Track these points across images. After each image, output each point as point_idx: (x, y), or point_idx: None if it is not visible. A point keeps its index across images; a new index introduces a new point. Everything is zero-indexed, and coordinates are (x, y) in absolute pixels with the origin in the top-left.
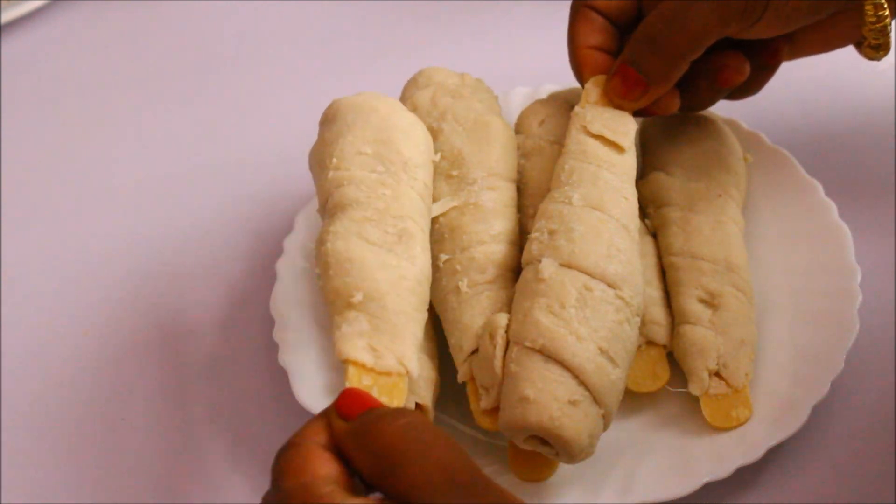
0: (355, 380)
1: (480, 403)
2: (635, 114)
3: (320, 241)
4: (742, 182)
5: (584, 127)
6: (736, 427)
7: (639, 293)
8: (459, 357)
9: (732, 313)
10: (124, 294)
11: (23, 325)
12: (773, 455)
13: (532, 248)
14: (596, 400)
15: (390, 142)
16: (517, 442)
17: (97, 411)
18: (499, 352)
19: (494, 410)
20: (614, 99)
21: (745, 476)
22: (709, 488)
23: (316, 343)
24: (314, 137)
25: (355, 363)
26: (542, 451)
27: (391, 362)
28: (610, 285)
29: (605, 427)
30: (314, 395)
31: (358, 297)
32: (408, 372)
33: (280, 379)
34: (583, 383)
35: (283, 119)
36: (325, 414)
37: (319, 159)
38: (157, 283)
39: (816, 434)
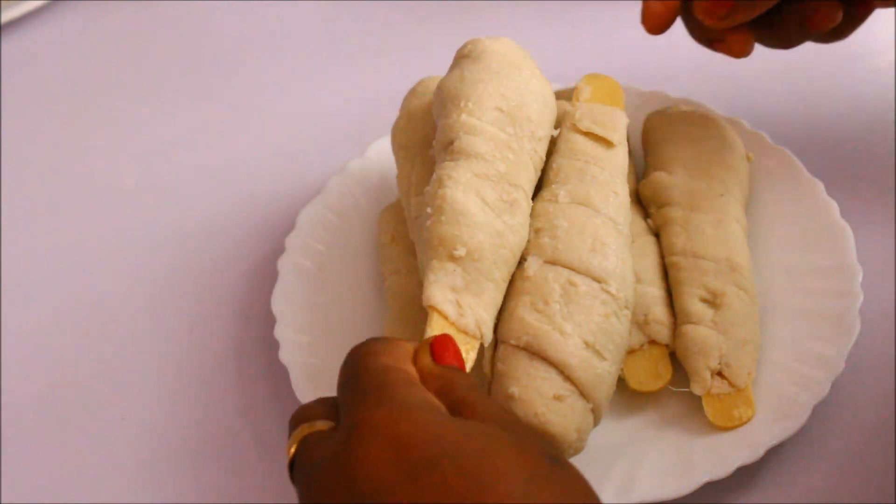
0: (437, 328)
1: None
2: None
3: (438, 183)
4: (744, 181)
5: (574, 125)
6: (738, 426)
7: (627, 286)
8: None
9: (735, 312)
10: (124, 293)
11: (23, 325)
12: (774, 455)
13: None
14: (583, 394)
15: (526, 106)
16: None
17: (97, 410)
18: (487, 352)
19: None
20: (699, 14)
21: (745, 476)
22: (709, 488)
23: (317, 341)
24: (316, 136)
25: (440, 313)
26: None
27: (471, 323)
28: (595, 279)
29: (597, 421)
30: (314, 393)
31: (460, 252)
32: (482, 338)
33: (281, 377)
34: (568, 378)
35: (284, 118)
36: (416, 346)
37: (453, 94)
38: (157, 282)
39: (817, 434)
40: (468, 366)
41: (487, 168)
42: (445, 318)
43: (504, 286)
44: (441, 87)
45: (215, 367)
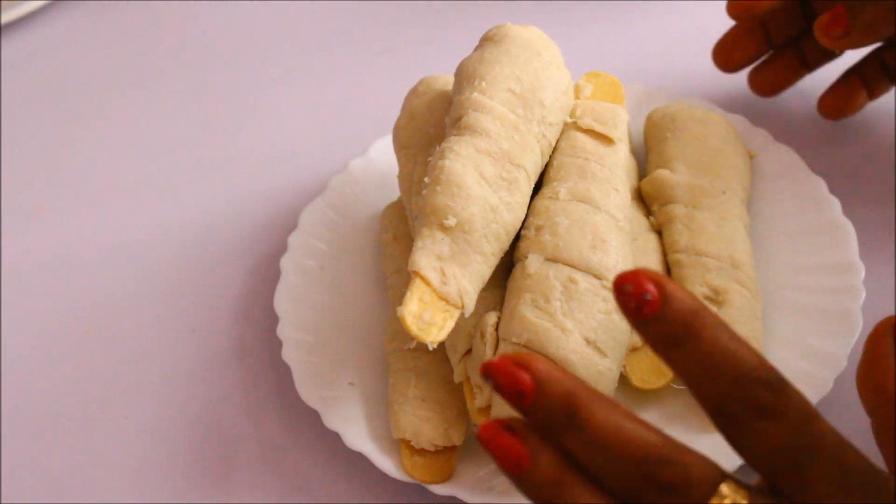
0: (418, 292)
1: (475, 402)
2: (826, 116)
3: (439, 154)
4: (746, 179)
5: (574, 122)
6: None
7: None
8: (454, 358)
9: (737, 310)
10: (126, 292)
11: (26, 324)
12: None
13: (521, 245)
14: None
15: (539, 90)
16: None
17: (100, 409)
18: (488, 350)
19: (488, 409)
20: (817, 31)
21: (749, 473)
22: None
23: (319, 340)
24: (317, 135)
25: (423, 279)
26: None
27: (453, 292)
28: (596, 276)
29: None
30: (317, 392)
31: (451, 222)
32: (463, 308)
33: (283, 376)
34: None
35: (286, 117)
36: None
37: (469, 73)
38: (160, 281)
39: None
40: (444, 334)
41: (490, 145)
42: (428, 284)
43: (494, 261)
44: (460, 67)
45: (217, 366)
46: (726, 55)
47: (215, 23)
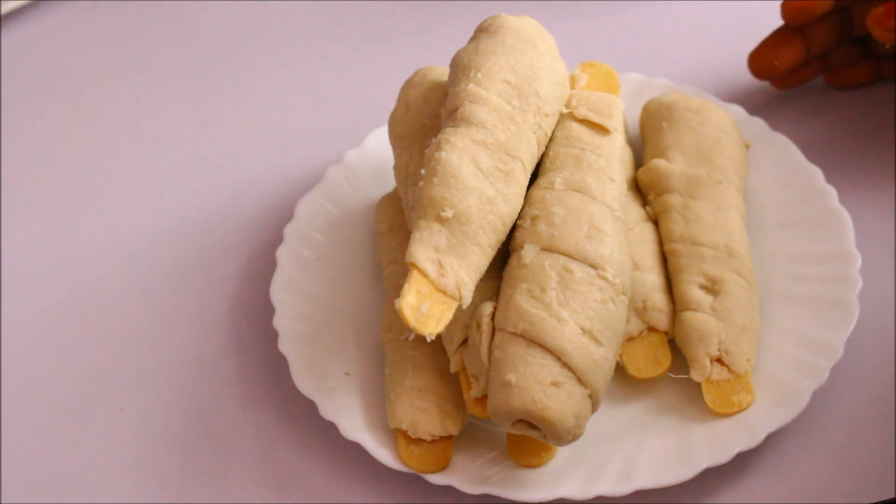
0: (416, 284)
1: (471, 392)
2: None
3: (436, 146)
4: (743, 168)
5: (570, 112)
6: (738, 412)
7: (623, 272)
8: (450, 348)
9: (734, 299)
10: (123, 284)
11: (23, 318)
12: (773, 440)
13: (516, 235)
14: (580, 380)
15: (534, 81)
16: (505, 427)
17: (96, 401)
18: (484, 340)
19: (485, 398)
20: (870, 22)
21: (745, 462)
22: (709, 474)
23: (315, 331)
24: (313, 126)
25: (421, 271)
26: (531, 434)
27: (450, 284)
28: (592, 266)
29: (595, 407)
30: (313, 383)
31: (448, 214)
32: (460, 299)
33: (279, 366)
34: (565, 365)
35: (282, 108)
36: None
37: (465, 64)
38: (155, 273)
39: (816, 419)
40: (442, 326)
41: (487, 136)
42: (426, 276)
43: (491, 253)
44: (455, 58)
45: (214, 358)
46: (766, 64)
47: (211, 15)
